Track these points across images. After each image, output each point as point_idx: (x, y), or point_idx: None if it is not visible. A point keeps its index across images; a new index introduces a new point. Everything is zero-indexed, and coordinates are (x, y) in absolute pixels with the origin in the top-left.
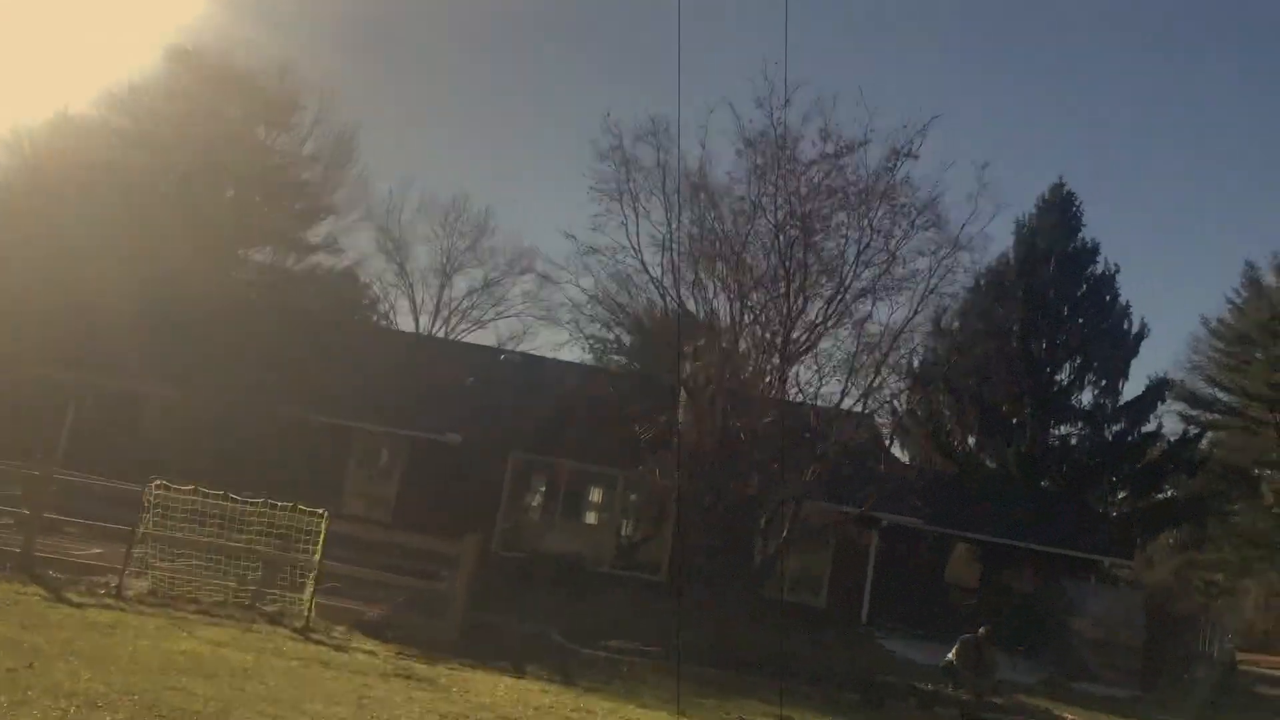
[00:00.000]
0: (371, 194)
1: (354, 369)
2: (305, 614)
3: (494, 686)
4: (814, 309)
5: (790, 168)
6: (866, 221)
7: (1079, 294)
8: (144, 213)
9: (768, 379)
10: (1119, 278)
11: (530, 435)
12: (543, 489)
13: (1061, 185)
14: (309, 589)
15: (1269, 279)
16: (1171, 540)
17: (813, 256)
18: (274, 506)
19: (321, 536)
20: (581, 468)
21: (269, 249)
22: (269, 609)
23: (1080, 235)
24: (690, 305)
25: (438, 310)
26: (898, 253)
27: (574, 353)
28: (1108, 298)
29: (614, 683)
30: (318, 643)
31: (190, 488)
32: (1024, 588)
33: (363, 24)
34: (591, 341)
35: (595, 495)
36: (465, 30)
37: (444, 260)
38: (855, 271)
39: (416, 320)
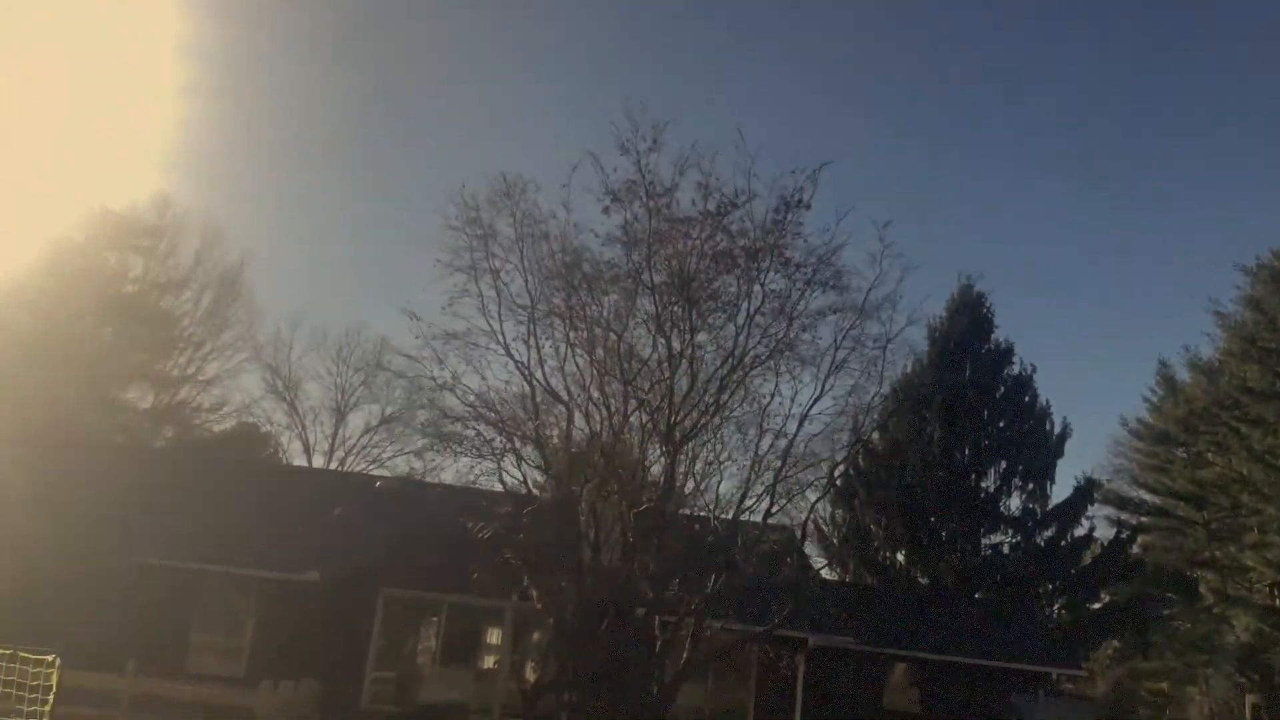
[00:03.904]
0: (259, 332)
1: (211, 507)
2: None
3: None
4: (707, 390)
5: (666, 224)
6: (757, 284)
7: (997, 396)
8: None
9: (659, 478)
10: (1036, 378)
11: (406, 569)
12: (426, 630)
13: (970, 286)
14: None
15: (1183, 375)
16: (1112, 649)
17: (702, 328)
18: None
19: (53, 691)
20: (468, 603)
21: (150, 391)
22: None
23: (994, 336)
24: (563, 392)
25: (332, 451)
26: (795, 315)
27: (457, 472)
28: (1027, 399)
29: None
30: None
31: None
32: (971, 707)
33: (242, 164)
34: (455, 449)
35: (494, 636)
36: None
37: (338, 397)
38: (747, 340)
39: (309, 462)
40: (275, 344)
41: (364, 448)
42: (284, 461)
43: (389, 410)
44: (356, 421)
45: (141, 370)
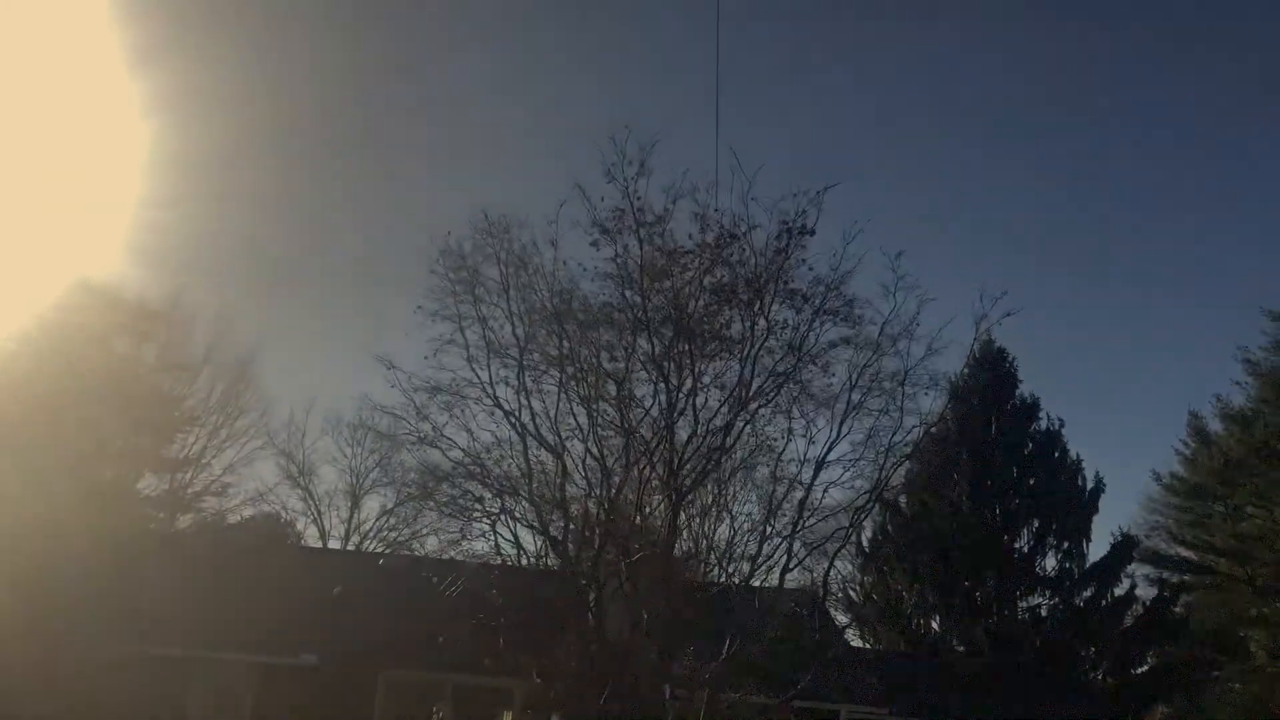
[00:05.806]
0: (273, 418)
1: (213, 592)
2: None
3: None
4: (710, 433)
5: (661, 256)
6: (761, 317)
7: (1025, 453)
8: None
9: (662, 530)
10: (1065, 432)
11: (409, 650)
12: (434, 713)
13: (991, 341)
14: None
15: (1215, 426)
16: (1161, 714)
17: (704, 364)
18: None
19: None
20: (475, 683)
21: (161, 480)
22: None
23: (1018, 391)
24: (556, 444)
25: (348, 535)
26: (804, 349)
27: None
28: (1056, 454)
29: None
30: None
31: None
32: None
33: (250, 252)
34: (443, 510)
35: (506, 718)
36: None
37: (352, 481)
38: (752, 376)
39: (325, 547)
40: (289, 430)
41: (380, 531)
42: (296, 546)
43: (404, 491)
44: (372, 505)
45: (151, 459)
